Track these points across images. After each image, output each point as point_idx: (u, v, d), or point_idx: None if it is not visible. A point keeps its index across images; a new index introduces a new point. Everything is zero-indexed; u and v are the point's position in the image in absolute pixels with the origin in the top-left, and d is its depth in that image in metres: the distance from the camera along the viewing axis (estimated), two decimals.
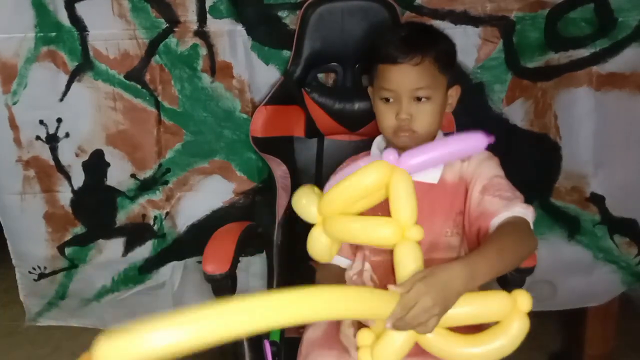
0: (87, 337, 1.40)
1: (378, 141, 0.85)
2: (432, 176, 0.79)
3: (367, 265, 0.80)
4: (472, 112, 1.01)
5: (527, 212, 0.70)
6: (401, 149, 0.79)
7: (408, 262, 0.67)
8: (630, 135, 1.03)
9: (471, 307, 0.65)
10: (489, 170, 0.78)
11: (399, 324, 0.62)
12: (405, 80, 0.75)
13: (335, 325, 0.80)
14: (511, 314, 0.65)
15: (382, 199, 0.73)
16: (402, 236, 0.69)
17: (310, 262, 0.85)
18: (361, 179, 0.72)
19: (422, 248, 0.79)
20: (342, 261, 0.84)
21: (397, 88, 0.75)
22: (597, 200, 1.07)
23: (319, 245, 0.80)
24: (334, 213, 0.76)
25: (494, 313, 0.65)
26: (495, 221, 0.70)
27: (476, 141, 0.70)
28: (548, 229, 1.10)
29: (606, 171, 1.05)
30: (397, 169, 0.70)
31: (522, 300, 0.64)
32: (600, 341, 1.22)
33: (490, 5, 0.98)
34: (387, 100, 0.77)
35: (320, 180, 0.99)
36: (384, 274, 0.77)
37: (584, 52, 1.00)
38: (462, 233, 0.80)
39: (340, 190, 0.74)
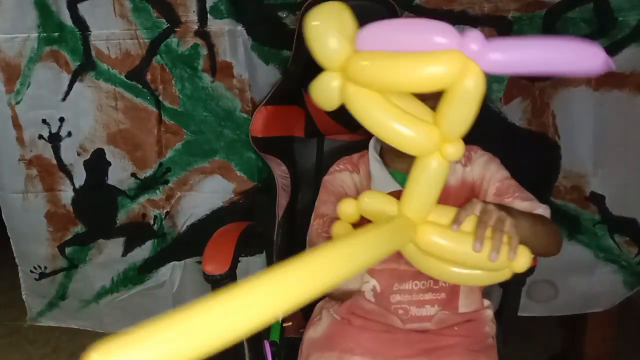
0: (86, 337, 1.41)
1: (374, 142, 0.85)
2: None
3: (367, 277, 0.79)
4: None
5: (547, 212, 0.71)
6: (402, 158, 0.78)
7: (428, 186, 0.55)
8: (630, 135, 1.03)
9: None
10: (498, 173, 0.78)
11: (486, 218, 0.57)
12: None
13: (336, 326, 0.80)
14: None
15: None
16: (437, 148, 0.54)
17: None
18: (424, 70, 0.49)
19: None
20: None
21: None
22: (597, 199, 1.07)
23: (326, 90, 0.57)
24: (361, 79, 0.54)
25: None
26: None
27: (590, 58, 0.48)
28: None
29: (606, 170, 1.05)
30: (472, 65, 0.49)
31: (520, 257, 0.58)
32: (600, 341, 1.22)
33: (488, 6, 0.98)
34: None
35: (320, 180, 0.99)
36: (388, 283, 0.77)
37: None
38: None
39: (386, 64, 0.51)
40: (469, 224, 0.59)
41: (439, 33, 0.49)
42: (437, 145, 0.54)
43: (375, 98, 0.54)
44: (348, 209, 0.63)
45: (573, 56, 0.49)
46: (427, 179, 0.56)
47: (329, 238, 0.78)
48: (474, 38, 0.48)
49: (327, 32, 0.55)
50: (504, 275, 0.61)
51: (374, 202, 0.63)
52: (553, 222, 0.70)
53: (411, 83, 0.51)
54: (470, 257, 0.58)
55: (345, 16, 0.56)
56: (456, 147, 0.54)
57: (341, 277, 0.48)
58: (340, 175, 0.83)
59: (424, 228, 0.59)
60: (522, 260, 0.58)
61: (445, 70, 0.49)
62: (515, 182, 0.77)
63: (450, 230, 0.59)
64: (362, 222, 0.65)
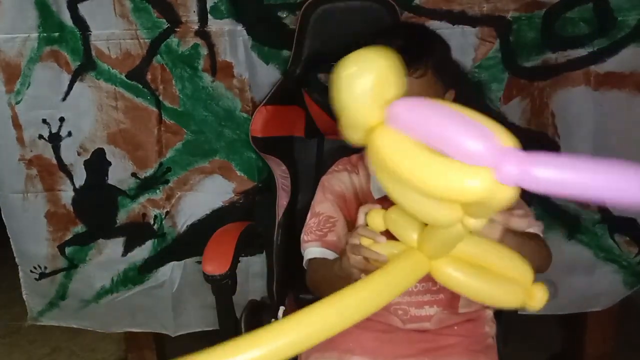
0: (86, 337, 1.41)
1: None
2: None
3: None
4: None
5: (541, 230, 0.71)
6: None
7: (448, 241, 0.54)
8: (630, 135, 1.03)
9: (499, 258, 0.59)
10: None
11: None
12: (407, 94, 0.73)
13: None
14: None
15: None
16: (460, 221, 0.49)
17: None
18: (443, 180, 0.41)
19: None
20: (328, 254, 0.79)
21: None
22: None
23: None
24: (377, 158, 0.47)
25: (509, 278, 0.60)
26: None
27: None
28: (548, 228, 1.09)
29: None
30: (502, 190, 0.40)
31: (537, 293, 0.61)
32: (600, 341, 1.22)
33: (487, 6, 0.99)
34: None
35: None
36: None
37: (581, 52, 1.01)
38: None
39: (409, 157, 0.43)
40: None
41: (468, 143, 0.40)
42: (459, 219, 0.48)
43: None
44: (376, 218, 0.64)
45: (627, 188, 0.38)
46: (446, 236, 0.54)
47: (323, 236, 0.78)
48: (512, 158, 0.39)
49: (363, 90, 0.44)
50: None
51: (399, 226, 0.61)
52: (544, 241, 0.71)
53: (427, 189, 0.43)
54: (484, 293, 0.60)
55: (390, 77, 0.45)
56: (479, 222, 0.48)
57: (368, 313, 0.50)
58: (339, 176, 0.83)
59: (438, 262, 0.60)
60: (539, 295, 0.61)
61: (467, 189, 0.40)
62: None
63: (463, 265, 0.59)
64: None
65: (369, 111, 0.45)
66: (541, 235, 0.71)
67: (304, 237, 0.81)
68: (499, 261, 0.61)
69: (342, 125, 0.48)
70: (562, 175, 0.39)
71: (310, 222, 0.81)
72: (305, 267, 0.80)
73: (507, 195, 0.41)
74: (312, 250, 0.79)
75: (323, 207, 0.81)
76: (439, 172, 0.41)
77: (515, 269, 0.61)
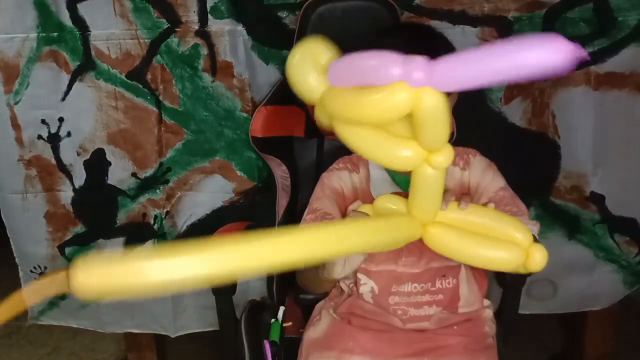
0: (86, 337, 1.40)
1: None
2: None
3: (365, 278, 0.79)
4: (471, 111, 1.01)
5: (534, 229, 0.71)
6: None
7: (428, 192, 0.59)
8: (630, 135, 1.03)
9: (493, 220, 0.61)
10: (493, 183, 0.78)
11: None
12: None
13: (335, 325, 0.80)
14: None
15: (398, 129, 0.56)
16: (427, 160, 0.56)
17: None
18: (377, 106, 0.51)
19: (423, 258, 0.79)
20: None
21: None
22: (597, 199, 1.07)
23: (319, 118, 0.62)
24: (334, 115, 0.58)
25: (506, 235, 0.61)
26: None
27: (550, 53, 0.40)
28: (548, 228, 1.10)
29: (606, 170, 1.05)
30: (425, 90, 0.49)
31: (536, 254, 0.61)
32: (600, 341, 1.22)
33: (487, 6, 0.99)
34: None
35: None
36: (386, 284, 0.77)
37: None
38: None
39: (347, 104, 0.55)
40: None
41: (382, 68, 0.50)
42: (423, 158, 0.56)
43: (353, 127, 0.58)
44: (366, 211, 0.67)
45: (530, 58, 0.42)
46: (425, 187, 0.59)
47: None
48: (416, 66, 0.48)
49: (304, 69, 0.59)
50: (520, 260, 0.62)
51: (388, 204, 0.66)
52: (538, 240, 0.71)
53: (372, 118, 0.54)
54: (477, 257, 0.61)
55: (321, 51, 0.59)
56: (444, 155, 0.55)
57: (336, 251, 0.53)
58: (339, 174, 0.83)
59: (431, 229, 0.62)
60: (538, 256, 0.60)
61: (394, 103, 0.50)
62: (510, 192, 0.77)
63: (457, 230, 0.61)
64: None
65: (314, 79, 0.58)
66: (536, 233, 0.71)
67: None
68: (496, 224, 0.62)
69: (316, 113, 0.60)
70: (463, 68, 0.46)
71: (307, 217, 0.81)
72: None
73: (431, 99, 0.49)
74: None
75: (321, 203, 0.81)
76: (371, 100, 0.51)
77: (512, 231, 0.61)
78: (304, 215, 0.82)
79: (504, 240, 0.61)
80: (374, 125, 0.57)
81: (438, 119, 0.51)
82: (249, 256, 0.45)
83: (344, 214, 0.81)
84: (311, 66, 0.58)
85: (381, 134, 0.57)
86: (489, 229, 0.62)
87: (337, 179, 0.83)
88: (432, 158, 0.55)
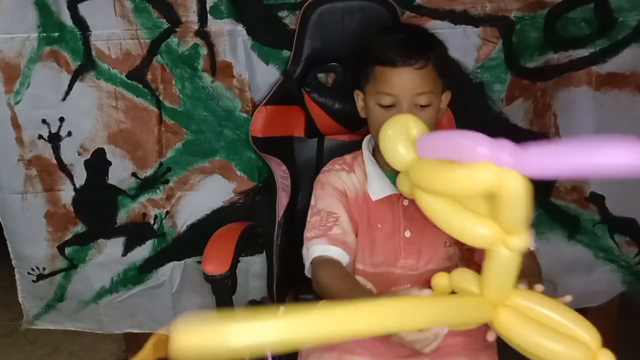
0: (86, 337, 1.40)
1: (367, 143, 0.85)
2: None
3: (364, 280, 0.80)
4: (472, 112, 1.02)
5: (532, 239, 0.71)
6: None
7: (501, 273, 0.60)
8: (630, 135, 1.03)
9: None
10: None
11: None
12: (407, 85, 0.73)
13: None
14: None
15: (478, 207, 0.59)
16: (503, 241, 0.58)
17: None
18: (462, 180, 0.55)
19: (422, 260, 0.79)
20: (335, 252, 0.77)
21: (399, 92, 0.73)
22: (597, 199, 1.07)
23: (401, 184, 0.69)
24: (420, 184, 0.63)
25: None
26: None
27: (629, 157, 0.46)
28: (548, 228, 1.10)
29: None
30: (510, 173, 0.52)
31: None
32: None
33: (489, 5, 0.99)
34: (384, 105, 0.75)
35: None
36: (385, 286, 0.78)
37: (583, 52, 1.01)
38: (458, 242, 0.80)
39: (434, 175, 0.59)
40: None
41: (471, 147, 0.54)
42: (500, 238, 0.57)
43: (435, 199, 0.62)
44: (441, 281, 0.69)
45: (616, 160, 0.48)
46: (498, 268, 0.60)
47: (327, 230, 0.77)
48: (504, 148, 0.52)
49: (396, 139, 0.66)
50: None
51: (463, 281, 0.68)
52: (534, 253, 0.74)
53: (455, 191, 0.58)
54: (544, 349, 0.60)
55: (413, 125, 0.67)
56: (521, 238, 0.56)
57: (411, 325, 0.56)
58: (338, 174, 0.83)
59: (502, 311, 0.63)
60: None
61: (479, 180, 0.53)
62: None
63: (527, 317, 0.62)
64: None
65: (403, 149, 0.66)
66: (532, 245, 0.71)
67: (307, 234, 0.80)
68: (565, 321, 0.61)
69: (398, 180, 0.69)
70: (549, 159, 0.50)
71: (312, 219, 0.80)
72: (307, 266, 0.78)
73: (515, 182, 0.52)
74: (317, 247, 0.77)
75: (323, 203, 0.81)
76: (459, 173, 0.55)
77: (581, 331, 0.60)
78: (309, 217, 0.82)
79: (572, 337, 0.60)
80: (454, 198, 0.60)
81: (519, 201, 0.53)
82: (345, 323, 0.49)
83: (350, 213, 0.80)
84: (403, 137, 0.65)
85: (460, 208, 0.60)
86: (557, 323, 0.61)
87: (337, 178, 0.83)
88: (508, 239, 0.56)
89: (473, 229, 0.59)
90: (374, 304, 0.54)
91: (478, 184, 0.53)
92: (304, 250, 0.80)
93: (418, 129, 0.67)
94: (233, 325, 0.43)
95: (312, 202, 0.83)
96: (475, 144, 0.53)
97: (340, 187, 0.82)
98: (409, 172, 0.65)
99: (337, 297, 0.72)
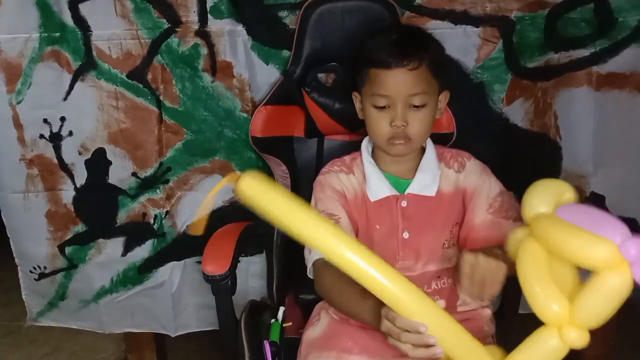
0: (86, 337, 1.41)
1: (366, 144, 0.85)
2: (429, 189, 0.80)
3: None
4: (472, 112, 1.02)
5: None
6: (395, 157, 0.79)
7: (536, 356, 0.58)
8: (630, 135, 1.03)
9: None
10: (491, 187, 0.79)
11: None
12: (401, 86, 0.73)
13: (334, 325, 0.80)
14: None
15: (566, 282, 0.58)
16: (560, 325, 0.57)
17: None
18: (580, 241, 0.54)
19: (420, 261, 0.79)
20: None
21: (393, 94, 0.74)
22: (597, 199, 1.07)
23: (512, 240, 0.64)
24: (537, 233, 0.61)
25: None
26: None
27: None
28: None
29: (606, 171, 1.05)
30: (623, 265, 0.52)
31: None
32: (600, 341, 1.21)
33: (490, 5, 0.99)
34: (379, 106, 0.75)
35: None
36: None
37: (583, 52, 1.01)
38: (458, 244, 0.80)
39: (562, 227, 0.57)
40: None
41: (607, 228, 0.53)
42: (562, 321, 0.56)
43: (537, 255, 0.59)
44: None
45: None
46: (538, 352, 0.58)
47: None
48: (635, 242, 0.51)
49: (543, 195, 0.62)
50: None
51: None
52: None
53: (564, 251, 0.56)
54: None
55: (564, 191, 0.63)
56: (579, 335, 0.55)
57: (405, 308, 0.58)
58: (337, 175, 0.83)
59: None
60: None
61: (593, 253, 0.52)
62: (508, 196, 0.78)
63: None
64: None
65: (543, 205, 0.62)
66: None
67: None
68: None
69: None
70: None
71: None
72: (310, 267, 0.78)
73: (623, 277, 0.51)
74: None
75: (323, 204, 0.81)
76: (578, 239, 0.54)
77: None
78: None
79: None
80: (554, 260, 0.58)
81: (610, 298, 0.53)
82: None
83: (349, 214, 0.80)
84: (550, 196, 0.62)
85: (548, 273, 0.58)
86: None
87: (336, 180, 0.83)
88: (567, 328, 0.55)
89: (543, 300, 0.56)
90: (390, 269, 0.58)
91: (589, 255, 0.52)
92: (306, 252, 0.80)
93: (568, 196, 0.63)
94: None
95: (312, 204, 0.83)
96: (612, 227, 0.52)
97: (339, 188, 0.82)
98: (536, 222, 0.61)
99: (341, 299, 0.72)
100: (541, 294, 0.57)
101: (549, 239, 0.58)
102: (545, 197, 0.61)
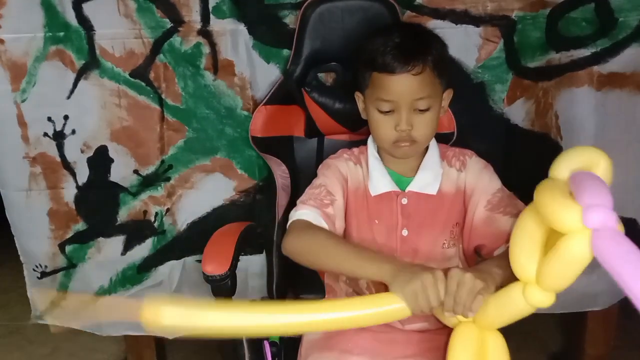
0: (86, 337, 1.42)
1: (372, 139, 0.85)
2: (431, 187, 0.79)
3: (363, 281, 0.79)
4: (473, 112, 1.02)
5: None
6: (399, 159, 0.79)
7: (501, 305, 0.61)
8: (631, 135, 1.03)
9: None
10: (490, 185, 0.78)
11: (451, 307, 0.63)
12: (405, 91, 0.73)
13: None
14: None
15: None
16: (527, 284, 0.58)
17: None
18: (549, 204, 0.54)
19: (418, 259, 0.79)
20: (324, 225, 0.76)
21: (397, 99, 0.73)
22: None
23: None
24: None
25: None
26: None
27: None
28: None
29: None
30: (585, 232, 0.52)
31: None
32: (600, 341, 1.21)
33: (491, 5, 0.99)
34: (384, 111, 0.75)
35: None
36: (383, 286, 0.77)
37: (584, 52, 1.00)
38: (458, 243, 0.80)
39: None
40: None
41: (586, 194, 0.52)
42: (529, 279, 0.57)
43: (532, 218, 0.59)
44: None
45: None
46: (505, 302, 0.61)
47: (323, 206, 0.76)
48: (603, 214, 0.50)
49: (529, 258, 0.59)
50: None
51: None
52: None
53: (542, 213, 0.56)
54: None
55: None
56: (541, 295, 0.56)
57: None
58: (347, 162, 0.83)
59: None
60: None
61: (558, 218, 0.52)
62: (507, 193, 0.77)
63: None
64: None
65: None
66: None
67: (302, 199, 0.79)
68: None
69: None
70: (623, 259, 0.48)
71: (311, 190, 0.79)
72: (289, 223, 0.77)
73: (581, 243, 0.50)
74: (306, 212, 0.76)
75: (325, 179, 0.80)
76: (554, 200, 0.54)
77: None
78: (307, 189, 0.80)
79: None
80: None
81: (571, 264, 0.52)
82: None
83: (346, 202, 0.80)
84: (579, 163, 0.59)
85: (535, 235, 0.58)
86: None
87: (345, 165, 0.83)
88: (530, 286, 0.57)
89: (518, 258, 0.58)
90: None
91: (556, 218, 0.52)
92: (292, 212, 0.78)
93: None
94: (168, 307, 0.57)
95: (314, 180, 0.82)
96: (591, 193, 0.52)
97: (344, 173, 0.82)
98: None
99: (337, 253, 0.71)
100: (518, 252, 0.58)
101: (536, 202, 0.58)
102: (573, 161, 0.59)
